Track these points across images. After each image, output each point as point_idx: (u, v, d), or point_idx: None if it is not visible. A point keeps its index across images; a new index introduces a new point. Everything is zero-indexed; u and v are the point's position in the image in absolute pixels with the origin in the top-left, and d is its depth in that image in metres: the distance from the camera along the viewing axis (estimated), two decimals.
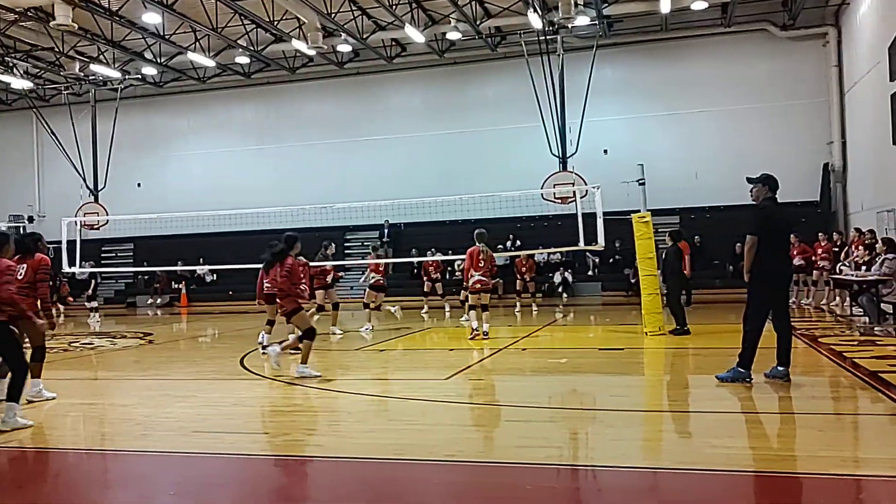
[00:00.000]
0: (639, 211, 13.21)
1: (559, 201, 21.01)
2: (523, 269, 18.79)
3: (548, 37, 22.26)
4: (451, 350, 11.49)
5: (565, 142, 22.43)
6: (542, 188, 20.50)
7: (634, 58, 25.57)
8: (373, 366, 10.29)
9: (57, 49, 24.14)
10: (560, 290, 22.93)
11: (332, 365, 10.31)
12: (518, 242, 23.51)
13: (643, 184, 15.43)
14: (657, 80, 25.24)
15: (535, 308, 18.66)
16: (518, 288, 18.93)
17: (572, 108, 22.37)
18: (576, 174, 21.05)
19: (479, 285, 12.18)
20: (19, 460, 5.71)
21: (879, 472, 4.59)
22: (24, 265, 7.56)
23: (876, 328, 12.01)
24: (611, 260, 23.80)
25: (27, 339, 7.64)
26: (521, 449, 5.30)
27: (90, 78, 27.01)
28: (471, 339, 12.07)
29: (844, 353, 9.30)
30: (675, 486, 4.54)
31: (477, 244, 12.20)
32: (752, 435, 5.80)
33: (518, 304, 18.76)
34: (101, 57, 25.87)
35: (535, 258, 20.37)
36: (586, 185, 18.34)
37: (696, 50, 25.00)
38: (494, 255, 17.74)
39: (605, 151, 24.42)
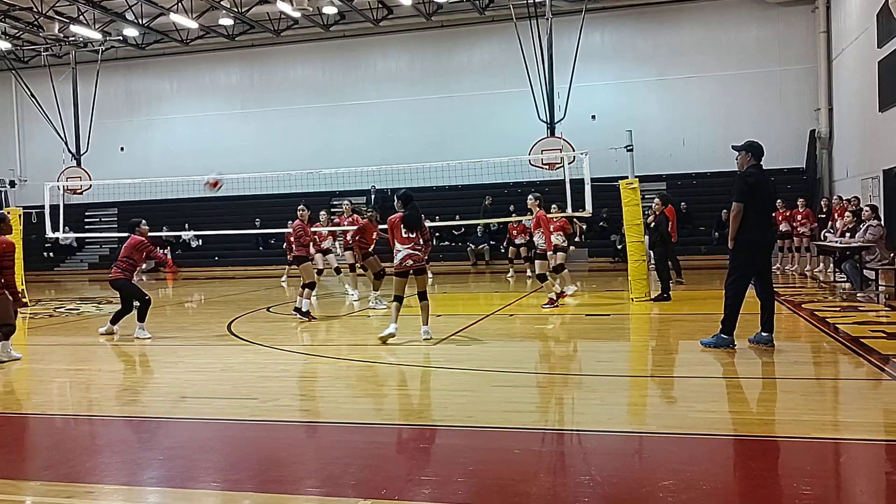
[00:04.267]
0: (626, 177, 13.19)
1: (547, 167, 20.97)
2: (514, 234, 18.45)
3: (536, 0, 22.00)
4: (439, 316, 11.52)
5: (553, 107, 22.31)
6: (529, 154, 20.44)
7: (623, 23, 25.37)
8: (360, 331, 10.31)
9: (35, 9, 23.61)
10: None
11: (319, 330, 10.33)
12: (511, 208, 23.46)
13: (631, 150, 15.39)
14: (646, 46, 25.09)
15: (529, 274, 18.52)
16: (510, 255, 18.75)
17: (560, 73, 22.21)
18: (563, 140, 20.98)
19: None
20: (6, 426, 5.71)
21: (859, 436, 4.68)
22: None
23: (858, 294, 12.15)
24: (598, 226, 23.82)
25: None
26: (508, 413, 5.35)
27: (70, 39, 26.49)
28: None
29: (827, 319, 9.43)
30: (660, 450, 4.60)
31: (541, 208, 11.69)
32: (736, 399, 5.88)
33: (511, 270, 18.72)
34: (82, 17, 25.34)
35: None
36: (574, 150, 18.28)
37: (686, 15, 24.83)
38: (481, 221, 17.74)
39: (594, 117, 24.35)
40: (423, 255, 8.73)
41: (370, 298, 12.57)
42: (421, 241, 8.68)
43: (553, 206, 16.46)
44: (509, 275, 18.53)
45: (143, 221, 10.75)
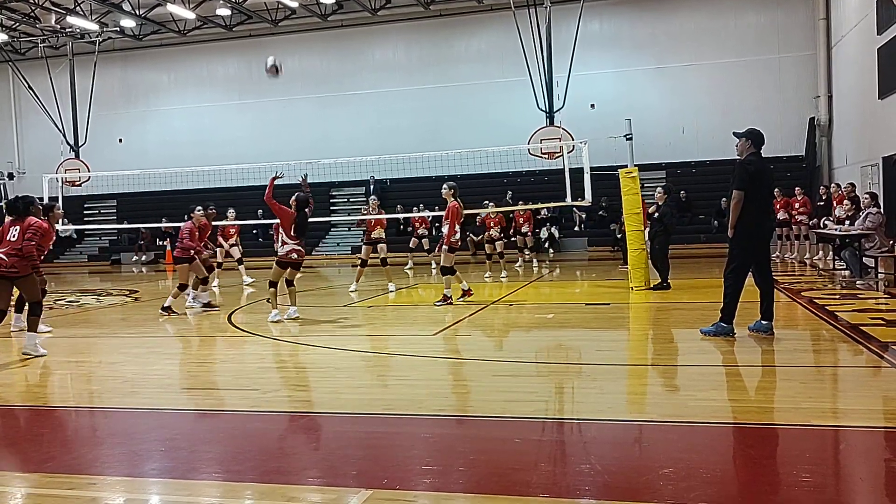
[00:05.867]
0: (626, 166, 13.17)
1: (546, 156, 20.94)
2: (521, 222, 18.32)
3: None
4: (438, 305, 11.52)
5: (552, 96, 22.26)
6: (528, 143, 20.40)
7: (622, 10, 25.30)
8: (361, 322, 10.32)
9: (32, 0, 23.50)
10: (547, 245, 23.01)
11: (320, 321, 10.34)
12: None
13: (630, 138, 15.36)
14: (645, 34, 25.02)
15: (535, 263, 18.60)
16: (519, 244, 18.60)
17: (559, 61, 22.15)
18: (563, 129, 20.93)
19: (460, 243, 11.48)
20: (8, 418, 5.72)
21: (859, 423, 4.69)
22: (17, 227, 7.81)
23: (858, 282, 12.16)
24: (603, 213, 23.78)
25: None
26: (508, 403, 5.36)
27: (67, 30, 26.40)
28: (461, 299, 11.39)
29: (826, 307, 9.43)
30: (660, 439, 4.61)
31: (454, 199, 11.25)
32: (735, 388, 5.90)
33: (520, 259, 18.66)
34: (78, 8, 25.24)
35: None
36: (573, 139, 18.24)
37: (684, 3, 24.77)
38: (482, 210, 17.77)
39: (593, 106, 24.31)
40: (303, 251, 10.21)
41: (189, 295, 12.04)
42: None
43: (489, 202, 16.84)
44: (518, 264, 18.47)
45: (57, 206, 10.06)
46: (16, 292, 8.17)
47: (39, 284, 8.16)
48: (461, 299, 11.41)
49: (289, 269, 10.20)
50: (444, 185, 11.39)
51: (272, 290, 10.14)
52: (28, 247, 7.66)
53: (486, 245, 16.68)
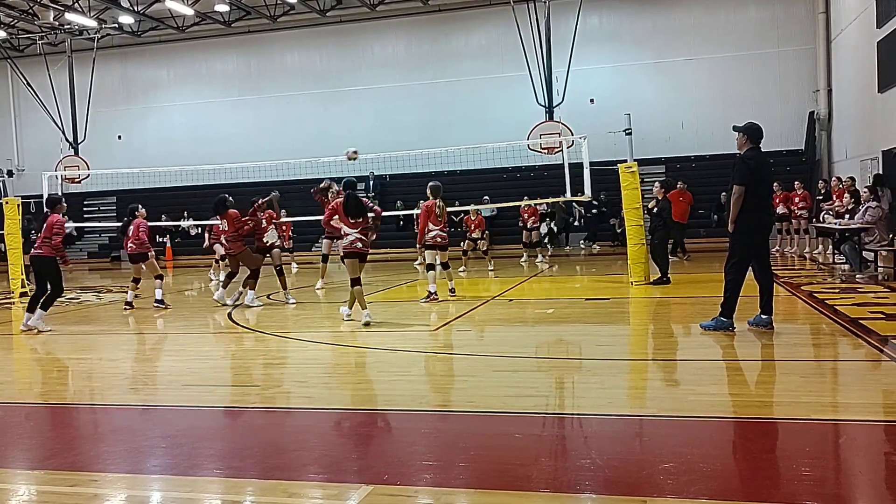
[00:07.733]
0: (625, 161, 13.17)
1: (545, 151, 20.92)
2: (526, 217, 18.16)
3: None
4: (439, 301, 11.53)
5: (551, 91, 22.22)
6: (528, 138, 20.38)
7: (621, 5, 25.24)
8: (361, 318, 10.31)
9: None
10: (546, 240, 22.97)
11: (320, 317, 10.35)
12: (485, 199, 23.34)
13: (630, 133, 15.41)
14: (644, 29, 24.97)
15: (539, 259, 18.53)
16: (524, 240, 18.43)
17: (559, 57, 22.11)
18: (562, 124, 20.91)
19: (439, 240, 11.06)
20: (9, 415, 5.73)
21: (858, 417, 4.70)
22: (224, 220, 11.24)
23: (857, 276, 12.16)
24: (595, 210, 23.75)
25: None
26: (508, 398, 5.37)
27: (65, 27, 26.35)
28: (426, 301, 10.96)
29: (826, 301, 9.44)
30: (660, 433, 4.62)
31: (432, 198, 11.05)
32: (735, 382, 5.90)
33: (525, 254, 18.59)
34: (77, 5, 25.20)
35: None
36: (573, 134, 18.23)
37: None
38: (482, 207, 17.88)
39: (592, 101, 24.27)
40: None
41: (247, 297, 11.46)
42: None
43: (487, 198, 16.95)
44: (523, 259, 18.44)
45: (63, 200, 10.45)
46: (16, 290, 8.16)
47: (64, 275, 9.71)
48: (425, 300, 10.99)
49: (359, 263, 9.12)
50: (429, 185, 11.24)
51: (356, 287, 9.01)
52: (246, 227, 11.24)
53: (467, 242, 16.86)
